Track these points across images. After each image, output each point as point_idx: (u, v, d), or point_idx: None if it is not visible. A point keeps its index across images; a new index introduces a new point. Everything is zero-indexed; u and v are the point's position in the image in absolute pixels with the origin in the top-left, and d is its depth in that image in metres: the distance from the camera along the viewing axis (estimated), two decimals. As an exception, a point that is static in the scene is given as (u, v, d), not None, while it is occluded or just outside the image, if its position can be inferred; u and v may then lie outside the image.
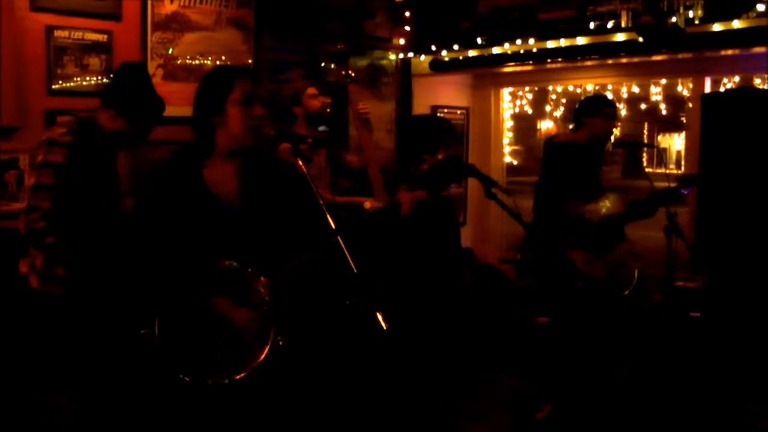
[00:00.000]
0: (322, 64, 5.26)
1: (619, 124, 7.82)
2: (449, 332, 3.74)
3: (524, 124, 7.24)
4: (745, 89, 5.28)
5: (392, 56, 5.83)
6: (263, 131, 2.37)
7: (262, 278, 2.27)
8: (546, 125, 7.20)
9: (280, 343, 2.23)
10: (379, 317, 1.99)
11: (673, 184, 3.79)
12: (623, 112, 6.46)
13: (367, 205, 2.54)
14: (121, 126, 2.89)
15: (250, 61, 4.76)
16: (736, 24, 4.22)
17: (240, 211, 2.33)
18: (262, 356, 2.22)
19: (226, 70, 2.51)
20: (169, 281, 2.23)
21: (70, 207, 2.74)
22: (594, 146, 3.96)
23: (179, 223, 2.26)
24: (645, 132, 8.97)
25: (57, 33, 3.92)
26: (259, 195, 2.37)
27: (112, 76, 3.09)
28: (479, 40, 5.50)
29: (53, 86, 3.93)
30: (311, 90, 3.81)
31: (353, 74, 3.63)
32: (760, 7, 4.06)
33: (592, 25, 4.76)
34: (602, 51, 4.95)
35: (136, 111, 2.92)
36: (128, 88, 2.93)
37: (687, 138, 5.74)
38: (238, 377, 2.19)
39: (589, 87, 6.42)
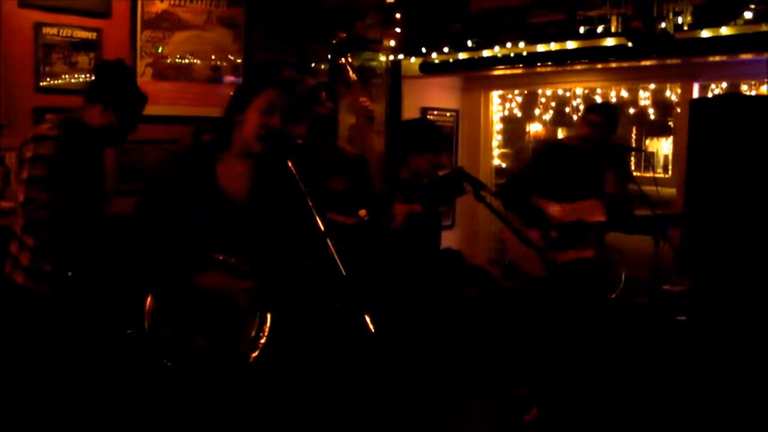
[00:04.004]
0: (312, 65, 5.26)
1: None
2: (437, 334, 3.75)
3: (513, 127, 7.27)
4: (733, 95, 5.32)
5: (382, 58, 5.83)
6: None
7: (252, 278, 2.29)
8: (535, 128, 7.22)
9: (262, 338, 2.25)
10: (368, 320, 1.99)
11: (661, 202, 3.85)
12: (612, 116, 6.50)
13: (362, 212, 2.55)
14: (110, 120, 2.92)
15: (239, 60, 4.75)
16: (724, 31, 4.25)
17: (247, 209, 2.38)
18: (251, 350, 2.24)
19: (259, 75, 2.63)
20: (163, 270, 2.25)
21: (65, 199, 2.75)
22: (586, 151, 3.98)
23: (184, 215, 2.32)
24: (633, 136, 9.03)
25: (45, 30, 3.89)
26: (267, 196, 2.43)
27: (95, 73, 3.15)
28: (469, 43, 5.51)
29: (41, 84, 3.90)
30: (323, 95, 3.85)
31: (355, 64, 3.63)
32: (748, 15, 4.10)
33: (582, 30, 4.78)
34: (592, 55, 4.97)
35: (126, 104, 2.96)
36: (115, 83, 2.99)
37: (675, 143, 5.77)
38: (224, 366, 2.20)
39: (579, 91, 6.46)
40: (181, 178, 2.38)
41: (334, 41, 5.21)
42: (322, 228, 2.20)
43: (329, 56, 5.31)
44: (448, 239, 6.34)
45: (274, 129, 2.38)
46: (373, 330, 2.01)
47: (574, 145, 4.06)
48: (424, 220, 3.11)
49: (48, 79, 3.92)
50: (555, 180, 3.94)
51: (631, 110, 6.70)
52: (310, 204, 2.20)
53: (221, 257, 2.29)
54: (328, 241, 2.16)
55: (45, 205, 2.69)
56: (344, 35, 3.88)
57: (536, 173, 4.03)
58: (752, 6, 4.06)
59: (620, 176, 4.05)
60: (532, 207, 3.89)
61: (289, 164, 2.29)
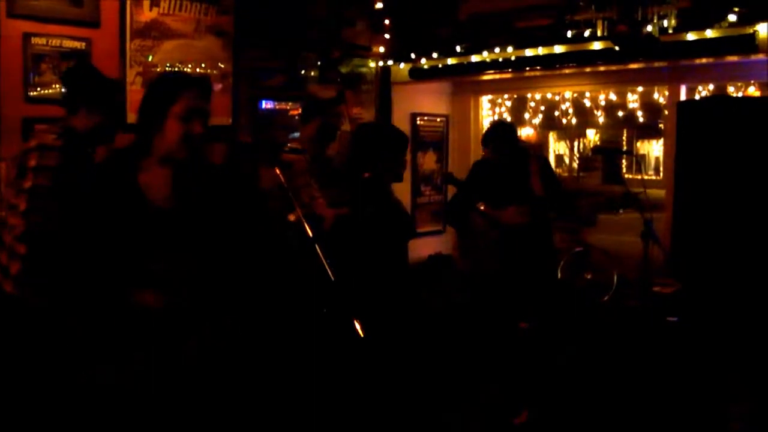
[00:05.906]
0: (302, 72, 5.28)
1: (597, 131, 7.93)
2: (425, 337, 3.77)
3: (504, 131, 7.28)
4: (720, 97, 5.36)
5: (372, 64, 5.85)
6: (241, 139, 2.38)
7: (188, 281, 2.26)
8: (525, 132, 7.25)
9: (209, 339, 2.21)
10: (357, 325, 2.00)
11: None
12: (601, 120, 6.55)
13: (291, 216, 2.54)
14: (97, 120, 2.96)
15: (229, 68, 4.76)
16: (709, 33, 4.30)
17: (172, 215, 2.28)
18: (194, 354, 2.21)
19: (172, 80, 2.45)
20: (95, 281, 2.20)
21: (68, 210, 2.76)
22: (501, 164, 4.30)
23: (109, 224, 2.21)
24: (624, 139, 9.08)
25: (34, 40, 3.89)
26: (193, 201, 2.32)
27: (63, 83, 3.19)
28: (458, 48, 5.53)
29: (30, 93, 3.89)
30: (342, 107, 3.90)
31: (344, 70, 3.67)
32: (732, 18, 4.14)
33: (569, 34, 4.81)
34: (579, 59, 5.01)
35: (105, 97, 3.01)
36: (87, 82, 3.02)
37: (665, 145, 5.81)
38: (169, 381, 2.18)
39: (568, 94, 6.50)
40: (102, 190, 2.27)
41: (330, 57, 5.26)
42: (310, 234, 2.20)
43: (318, 63, 5.33)
44: (439, 244, 6.36)
45: (196, 136, 2.26)
46: (362, 335, 2.02)
47: (492, 159, 4.35)
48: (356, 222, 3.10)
49: (37, 89, 3.91)
50: (486, 191, 4.23)
51: (620, 113, 6.74)
52: (298, 211, 2.19)
53: (153, 266, 2.22)
54: (317, 247, 2.16)
55: (50, 215, 2.70)
56: (338, 54, 3.92)
57: (471, 188, 4.37)
58: (736, 9, 4.10)
59: (544, 178, 4.30)
60: (467, 219, 4.28)
61: (277, 171, 2.27)
